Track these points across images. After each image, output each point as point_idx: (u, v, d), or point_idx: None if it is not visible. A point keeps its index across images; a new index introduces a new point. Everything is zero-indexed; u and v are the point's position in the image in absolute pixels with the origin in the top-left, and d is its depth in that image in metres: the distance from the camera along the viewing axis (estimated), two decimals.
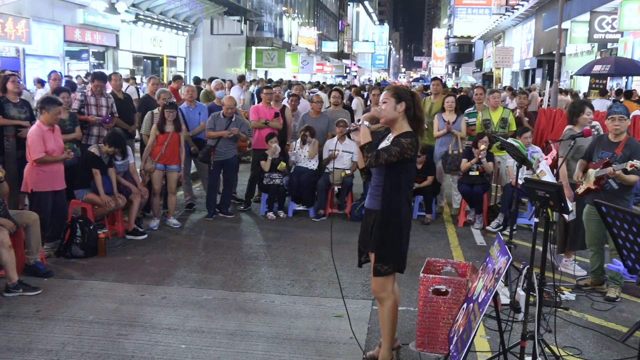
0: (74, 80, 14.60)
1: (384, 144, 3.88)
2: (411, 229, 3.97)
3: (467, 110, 9.52)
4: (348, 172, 8.22)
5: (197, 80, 13.26)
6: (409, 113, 3.83)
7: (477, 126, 8.51)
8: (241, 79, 16.63)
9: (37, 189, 6.09)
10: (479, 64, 53.60)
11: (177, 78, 12.44)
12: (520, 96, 9.44)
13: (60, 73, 10.07)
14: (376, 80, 62.12)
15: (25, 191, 6.21)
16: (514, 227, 5.98)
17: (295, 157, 8.41)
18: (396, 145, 3.71)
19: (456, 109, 8.61)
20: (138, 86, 15.09)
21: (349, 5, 68.64)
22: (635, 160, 5.03)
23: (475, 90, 9.60)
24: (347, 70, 58.76)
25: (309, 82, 26.01)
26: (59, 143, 6.28)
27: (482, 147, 7.80)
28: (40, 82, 11.52)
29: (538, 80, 31.82)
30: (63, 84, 10.16)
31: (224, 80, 12.93)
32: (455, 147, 8.26)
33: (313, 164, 8.35)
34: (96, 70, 10.02)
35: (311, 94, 13.84)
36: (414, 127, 3.85)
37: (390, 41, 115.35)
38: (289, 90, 13.08)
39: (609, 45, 21.75)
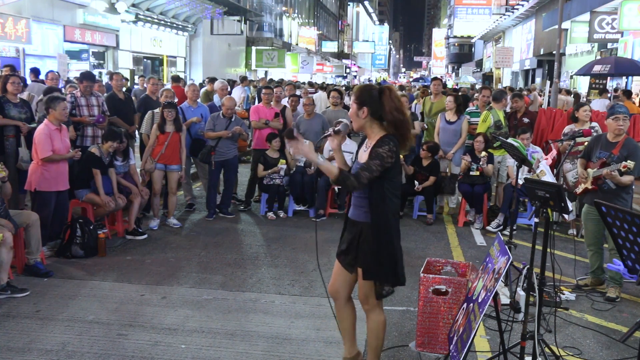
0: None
1: (362, 150, 3.63)
2: (411, 229, 3.97)
3: (469, 109, 9.54)
4: None
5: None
6: (375, 116, 3.51)
7: (480, 127, 8.49)
8: (243, 79, 16.77)
9: (40, 188, 6.12)
10: (479, 64, 53.58)
11: (177, 79, 12.46)
12: (520, 97, 9.32)
13: (57, 73, 10.06)
14: (376, 80, 62.11)
15: (28, 189, 6.23)
16: (514, 227, 5.98)
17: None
18: (375, 158, 3.42)
19: (459, 108, 8.62)
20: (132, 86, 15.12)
21: (349, 5, 68.61)
22: (628, 161, 5.05)
23: (482, 92, 9.58)
24: (347, 70, 58.75)
25: (309, 82, 25.97)
26: (65, 142, 6.32)
27: (483, 153, 7.88)
28: (34, 73, 11.30)
29: (538, 80, 31.81)
30: (60, 85, 10.15)
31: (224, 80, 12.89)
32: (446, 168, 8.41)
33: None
34: (83, 70, 9.91)
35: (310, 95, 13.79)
36: (390, 130, 3.51)
37: (390, 41, 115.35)
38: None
39: (609, 45, 21.74)
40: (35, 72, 11.07)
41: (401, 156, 8.76)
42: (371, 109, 3.51)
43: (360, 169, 3.45)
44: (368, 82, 47.61)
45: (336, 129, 3.65)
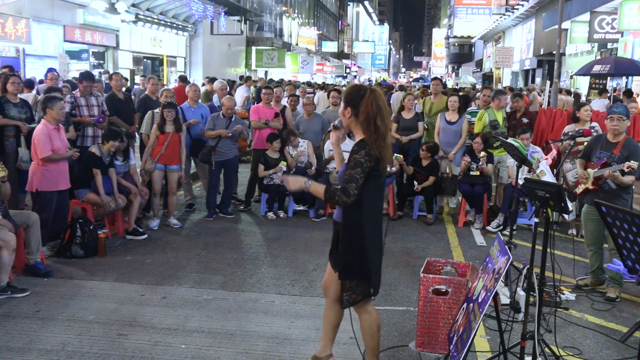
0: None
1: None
2: (411, 229, 3.95)
3: (470, 109, 9.56)
4: None
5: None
6: (359, 118, 3.45)
7: (476, 126, 8.48)
8: (247, 79, 16.92)
9: (42, 188, 6.13)
10: (479, 64, 53.58)
11: (184, 79, 12.50)
12: (520, 97, 9.30)
13: (57, 72, 10.03)
14: (376, 80, 62.10)
15: (29, 190, 6.24)
16: (514, 227, 5.98)
17: (304, 156, 8.45)
18: (355, 166, 3.36)
19: (459, 108, 8.63)
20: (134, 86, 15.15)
21: (349, 5, 68.60)
22: (632, 162, 5.05)
23: (484, 91, 9.59)
24: (347, 70, 58.75)
25: (307, 83, 25.98)
26: (64, 142, 6.34)
27: (482, 154, 7.88)
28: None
29: (538, 80, 31.81)
30: (60, 84, 10.13)
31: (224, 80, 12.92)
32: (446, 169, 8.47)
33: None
34: (82, 70, 9.90)
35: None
36: (367, 133, 3.42)
37: (390, 41, 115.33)
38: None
39: (609, 45, 21.73)
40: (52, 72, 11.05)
41: (401, 156, 8.76)
42: (354, 110, 3.49)
43: (345, 182, 3.37)
44: (368, 82, 47.49)
45: (335, 124, 3.73)
